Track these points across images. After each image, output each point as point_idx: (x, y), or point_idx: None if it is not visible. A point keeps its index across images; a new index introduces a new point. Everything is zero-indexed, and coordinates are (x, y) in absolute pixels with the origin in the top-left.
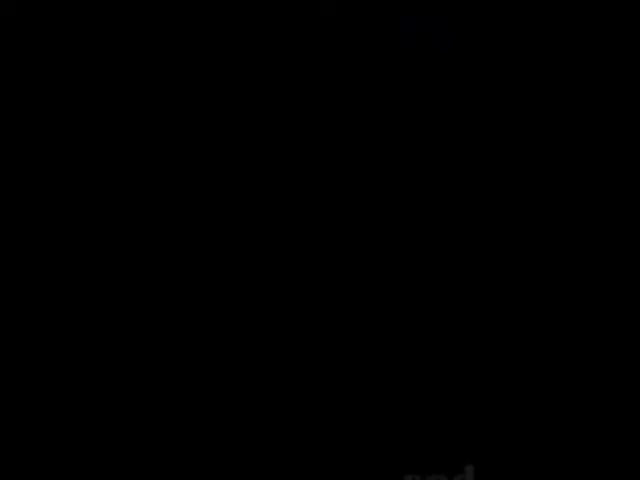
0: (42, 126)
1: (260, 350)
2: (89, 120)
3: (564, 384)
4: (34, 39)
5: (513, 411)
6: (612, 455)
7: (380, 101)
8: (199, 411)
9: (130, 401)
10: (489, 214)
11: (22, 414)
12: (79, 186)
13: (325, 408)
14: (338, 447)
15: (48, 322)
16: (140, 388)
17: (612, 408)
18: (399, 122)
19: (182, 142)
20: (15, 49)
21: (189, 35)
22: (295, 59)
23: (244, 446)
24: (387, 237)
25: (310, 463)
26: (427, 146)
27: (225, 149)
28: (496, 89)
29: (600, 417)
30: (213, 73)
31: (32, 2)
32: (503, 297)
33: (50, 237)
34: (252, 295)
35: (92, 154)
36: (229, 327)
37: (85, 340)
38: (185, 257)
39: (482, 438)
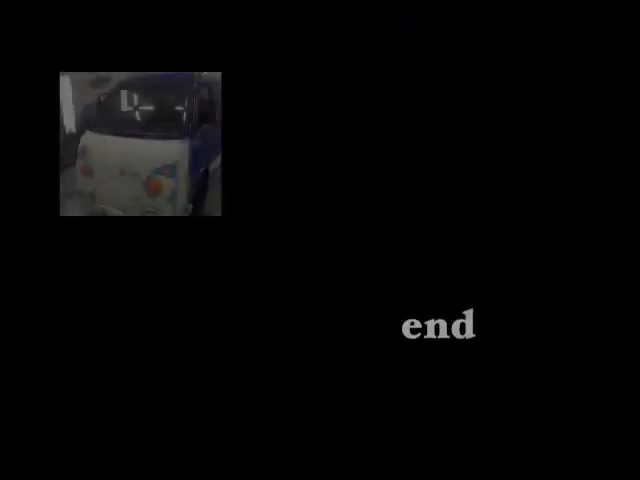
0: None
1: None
2: None
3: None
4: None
5: (512, 258)
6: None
7: (380, 101)
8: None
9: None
10: (488, 213)
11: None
12: None
13: (331, 258)
14: (341, 295)
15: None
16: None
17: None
18: (399, 121)
19: None
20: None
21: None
22: (295, 58)
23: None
24: (386, 236)
25: (315, 312)
26: (427, 145)
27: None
28: (495, 89)
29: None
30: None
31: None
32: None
33: None
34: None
35: None
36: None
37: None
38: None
39: (481, 283)
